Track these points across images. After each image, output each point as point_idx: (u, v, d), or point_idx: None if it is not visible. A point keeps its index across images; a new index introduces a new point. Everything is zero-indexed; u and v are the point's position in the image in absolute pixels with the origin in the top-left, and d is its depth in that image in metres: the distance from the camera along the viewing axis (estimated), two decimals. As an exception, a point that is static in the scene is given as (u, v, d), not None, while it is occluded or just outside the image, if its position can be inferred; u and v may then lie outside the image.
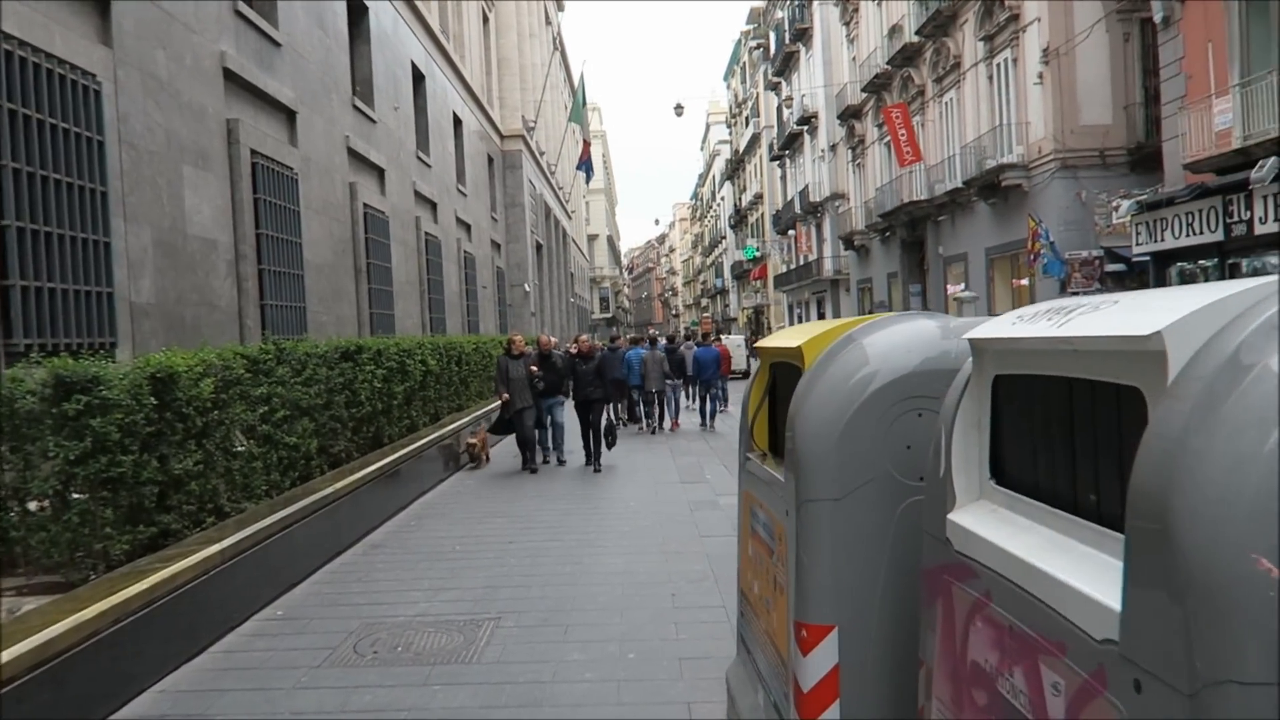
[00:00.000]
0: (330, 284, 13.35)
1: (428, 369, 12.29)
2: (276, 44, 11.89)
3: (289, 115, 12.44)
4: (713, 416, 17.56)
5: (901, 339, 2.81)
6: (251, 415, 6.82)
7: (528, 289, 31.43)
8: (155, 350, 6.34)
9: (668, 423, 17.50)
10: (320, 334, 11.59)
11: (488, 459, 13.46)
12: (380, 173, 16.47)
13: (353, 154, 14.93)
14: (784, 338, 3.64)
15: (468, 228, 24.24)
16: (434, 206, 20.55)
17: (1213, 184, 16.72)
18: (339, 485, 7.70)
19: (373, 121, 16.14)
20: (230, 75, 10.53)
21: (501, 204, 30.54)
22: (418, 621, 5.54)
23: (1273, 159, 14.67)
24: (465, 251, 23.44)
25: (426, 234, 19.43)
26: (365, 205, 15.23)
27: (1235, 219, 16.61)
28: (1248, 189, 16.03)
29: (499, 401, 12.26)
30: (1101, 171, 23.74)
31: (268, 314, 10.93)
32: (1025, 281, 25.92)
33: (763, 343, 3.81)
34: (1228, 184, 16.41)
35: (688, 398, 18.98)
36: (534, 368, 12.20)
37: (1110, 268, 23.32)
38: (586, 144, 43.81)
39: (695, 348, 19.12)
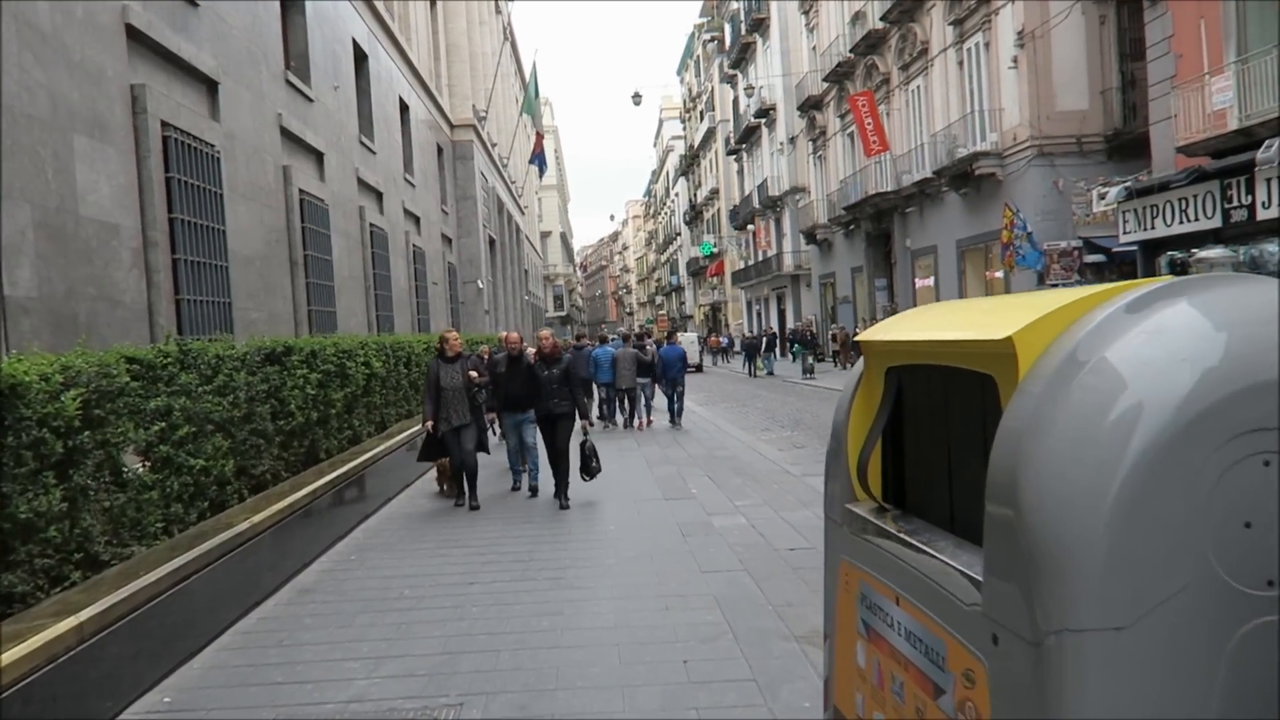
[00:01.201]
0: (261, 277, 11.87)
1: (372, 372, 10.87)
2: (193, 2, 10.39)
3: (209, 86, 10.95)
4: (679, 414, 17.56)
5: (1231, 320, 1.55)
6: (144, 434, 5.41)
7: (481, 285, 29.96)
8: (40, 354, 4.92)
9: (638, 420, 17.41)
10: (250, 333, 10.10)
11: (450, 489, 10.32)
12: (319, 156, 14.98)
13: (287, 134, 13.44)
14: (943, 323, 2.37)
15: (417, 220, 22.75)
16: (379, 196, 19.08)
17: (1210, 167, 15.81)
18: (258, 518, 6.28)
19: (309, 100, 14.65)
20: (135, 34, 9.05)
21: (452, 196, 29.04)
22: (352, 712, 4.18)
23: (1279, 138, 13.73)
24: (414, 245, 21.96)
25: (372, 225, 17.96)
26: (302, 191, 13.76)
27: (1235, 204, 15.72)
28: (1249, 172, 15.14)
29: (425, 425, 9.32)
30: (1078, 159, 22.90)
31: (185, 311, 9.46)
32: (1000, 274, 25.02)
33: (884, 334, 2.53)
34: (1227, 167, 15.51)
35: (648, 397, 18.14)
36: (474, 373, 9.64)
37: (1089, 258, 22.47)
38: (539, 136, 42.42)
39: (660, 346, 19.07)
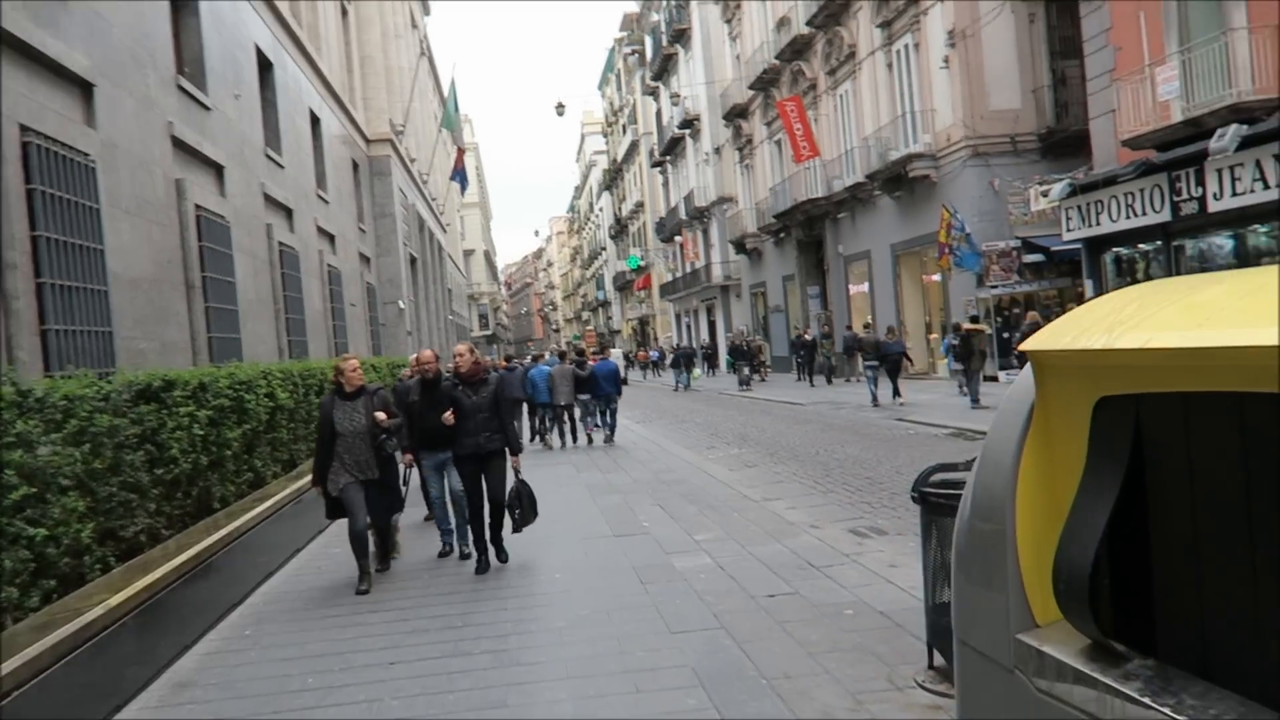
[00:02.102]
0: (151, 303, 10.54)
1: (276, 404, 9.62)
2: (59, -7, 9.10)
3: (84, 88, 9.63)
4: (613, 430, 17.15)
5: None
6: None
7: (402, 306, 28.58)
8: None
9: (581, 436, 17.32)
10: (138, 365, 8.78)
11: (397, 549, 8.08)
12: (218, 170, 13.65)
13: (180, 145, 12.12)
14: (1203, 315, 1.36)
15: (331, 239, 21.37)
16: (289, 213, 17.73)
17: (1158, 159, 15.39)
18: (117, 599, 5.06)
19: (206, 109, 13.33)
20: (-14, 26, 7.77)
21: (370, 214, 27.65)
22: None
23: (1234, 126, 13.32)
24: (329, 265, 20.59)
25: (281, 244, 16.61)
26: (199, 207, 12.45)
27: (1184, 196, 15.31)
28: (1199, 164, 14.74)
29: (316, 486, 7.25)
30: (1013, 158, 22.58)
31: (53, 343, 8.13)
32: (937, 277, 24.60)
33: (1094, 338, 1.45)
34: (1176, 159, 15.09)
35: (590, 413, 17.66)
36: (381, 415, 7.21)
37: (1028, 258, 22.13)
38: (460, 152, 41.15)
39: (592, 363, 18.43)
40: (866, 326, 25.22)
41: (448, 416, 7.23)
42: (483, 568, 7.42)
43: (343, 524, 7.26)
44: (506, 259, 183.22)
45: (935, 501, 4.26)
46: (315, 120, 21.06)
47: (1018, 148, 22.53)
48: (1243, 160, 13.91)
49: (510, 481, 7.52)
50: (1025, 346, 1.58)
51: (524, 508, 7.48)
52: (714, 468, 12.51)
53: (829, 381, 28.05)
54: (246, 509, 7.88)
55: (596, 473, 12.85)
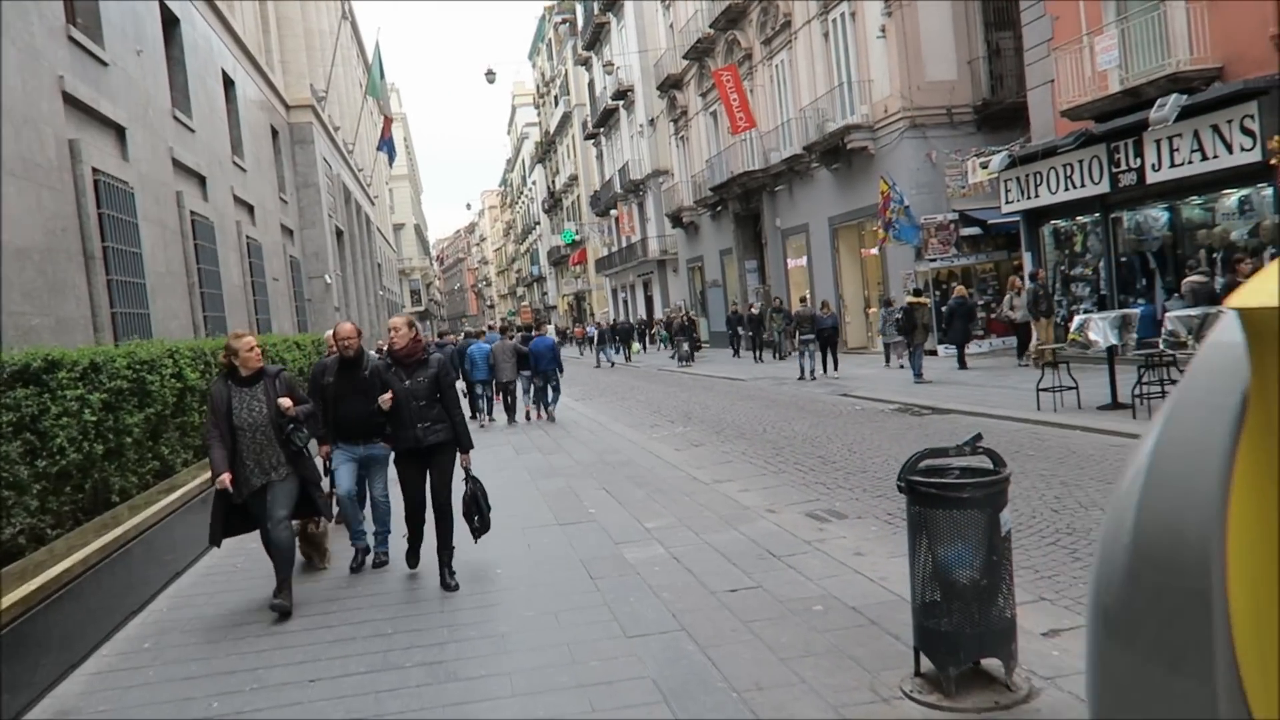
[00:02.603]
0: (42, 275, 9.63)
1: (186, 384, 8.81)
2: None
3: (-46, 37, 8.67)
4: (552, 406, 17.00)
5: None
6: None
7: (329, 280, 27.47)
8: None
9: (524, 413, 17.06)
10: (29, 343, 7.93)
11: (325, 556, 7.18)
12: (119, 131, 12.63)
13: (73, 102, 11.11)
14: None
15: (250, 209, 20.28)
16: (202, 181, 16.68)
17: (1098, 130, 15.23)
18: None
19: (103, 64, 12.28)
20: None
21: (292, 184, 26.43)
22: None
23: (1174, 95, 13.16)
24: (249, 237, 19.53)
25: (194, 214, 15.60)
26: (97, 171, 11.46)
27: (1123, 168, 15.19)
28: (1137, 134, 14.60)
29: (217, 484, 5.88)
30: (949, 130, 22.42)
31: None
32: (875, 250, 24.39)
33: None
34: (1115, 129, 14.94)
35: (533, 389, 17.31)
36: (286, 401, 5.97)
37: (965, 231, 22.02)
38: (387, 120, 39.81)
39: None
40: (803, 300, 24.98)
41: (386, 399, 6.16)
42: (448, 583, 6.16)
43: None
44: (438, 233, 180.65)
45: (925, 492, 3.80)
46: (229, 83, 19.90)
47: (954, 119, 22.36)
48: (1181, 131, 13.80)
49: (465, 483, 6.45)
50: (1237, 303, 1.06)
51: (482, 513, 6.46)
52: (660, 447, 12.02)
53: (778, 357, 27.26)
54: (151, 501, 7.14)
55: (537, 454, 12.27)
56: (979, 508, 3.71)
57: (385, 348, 7.25)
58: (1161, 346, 9.89)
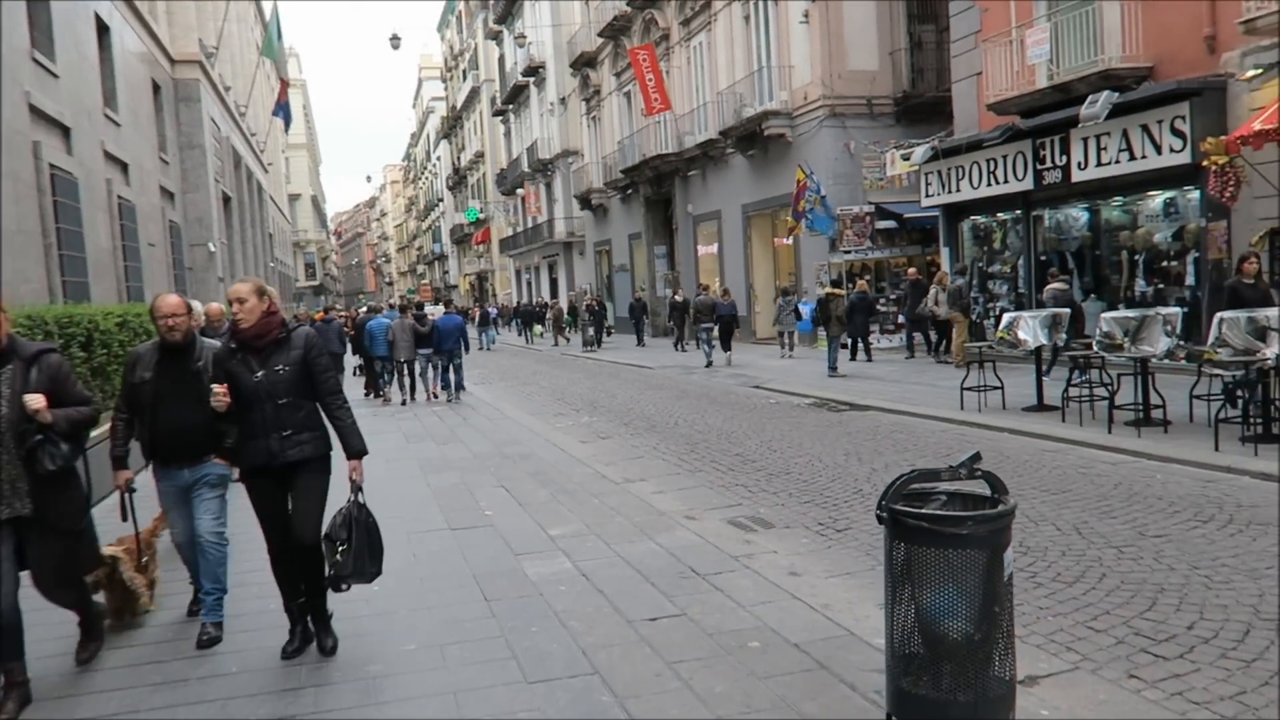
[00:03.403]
0: None
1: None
2: None
3: None
4: (459, 388, 16.54)
5: None
6: None
7: (213, 249, 25.70)
8: None
9: (424, 392, 16.58)
10: None
11: (151, 592, 5.19)
12: (-39, 67, 11.12)
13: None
14: None
15: (124, 167, 18.61)
16: (66, 132, 15.08)
17: (1025, 125, 14.93)
18: None
19: (-56, -12, 10.76)
20: None
21: (175, 144, 24.56)
22: None
23: (1106, 92, 12.88)
24: (120, 197, 17.88)
25: (54, 167, 14.05)
26: (-71, 111, 9.99)
27: (1048, 165, 14.93)
28: (1064, 131, 14.34)
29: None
30: (869, 121, 22.06)
31: None
32: (789, 240, 23.94)
33: None
34: (1041, 125, 14.66)
35: (434, 369, 16.65)
36: (36, 399, 4.04)
37: (880, 224, 21.73)
38: (284, 83, 37.81)
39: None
40: (706, 288, 24.45)
41: (219, 392, 4.29)
42: (325, 647, 4.48)
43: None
44: (337, 206, 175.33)
45: (913, 526, 3.05)
46: (104, 28, 18.15)
47: (874, 111, 22.02)
48: (1110, 130, 13.57)
49: (347, 505, 4.52)
50: None
51: (355, 547, 4.40)
52: (564, 439, 11.17)
53: (680, 349, 26.08)
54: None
55: (430, 443, 11.28)
56: (979, 547, 2.99)
57: (226, 326, 5.62)
58: (1095, 348, 9.50)
